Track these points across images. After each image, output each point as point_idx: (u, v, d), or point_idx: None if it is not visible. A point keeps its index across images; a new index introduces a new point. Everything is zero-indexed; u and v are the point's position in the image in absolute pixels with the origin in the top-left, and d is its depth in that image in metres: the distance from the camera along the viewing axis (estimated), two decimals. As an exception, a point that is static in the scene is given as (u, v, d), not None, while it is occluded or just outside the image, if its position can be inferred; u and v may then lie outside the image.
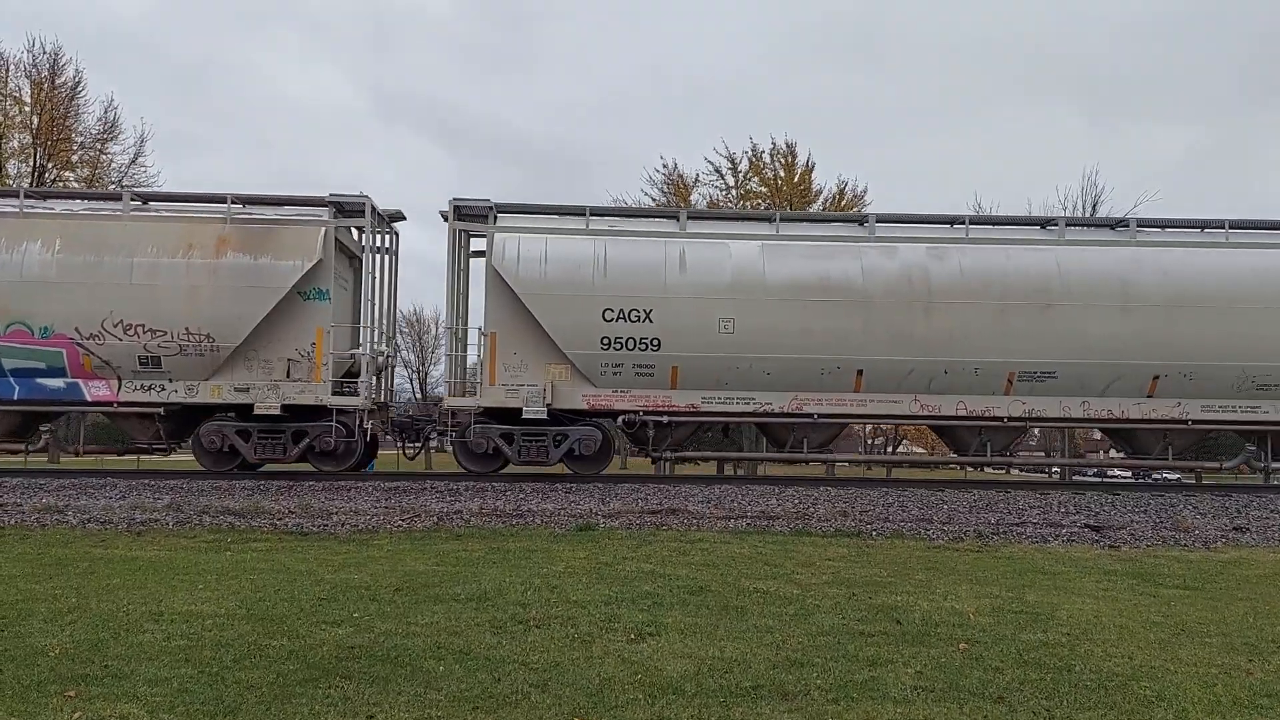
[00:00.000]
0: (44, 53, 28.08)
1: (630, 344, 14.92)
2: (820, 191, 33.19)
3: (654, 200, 32.97)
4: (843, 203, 32.59)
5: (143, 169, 29.60)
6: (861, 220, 16.17)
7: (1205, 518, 12.67)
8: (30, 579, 7.76)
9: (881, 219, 15.97)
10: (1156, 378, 15.32)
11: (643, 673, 5.40)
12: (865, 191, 33.71)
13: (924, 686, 5.26)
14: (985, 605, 7.34)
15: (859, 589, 7.81)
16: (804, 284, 15.05)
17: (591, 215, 15.65)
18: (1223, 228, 16.05)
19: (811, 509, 12.51)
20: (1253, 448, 16.68)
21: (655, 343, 14.90)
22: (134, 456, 16.35)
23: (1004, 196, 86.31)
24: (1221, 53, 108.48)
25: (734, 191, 33.09)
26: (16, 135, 28.02)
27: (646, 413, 15.15)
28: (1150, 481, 16.77)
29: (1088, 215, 30.13)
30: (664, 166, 34.21)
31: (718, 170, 33.11)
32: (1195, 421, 15.56)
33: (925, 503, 13.22)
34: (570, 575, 8.15)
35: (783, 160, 32.82)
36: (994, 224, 16.62)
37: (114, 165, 29.41)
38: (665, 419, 15.18)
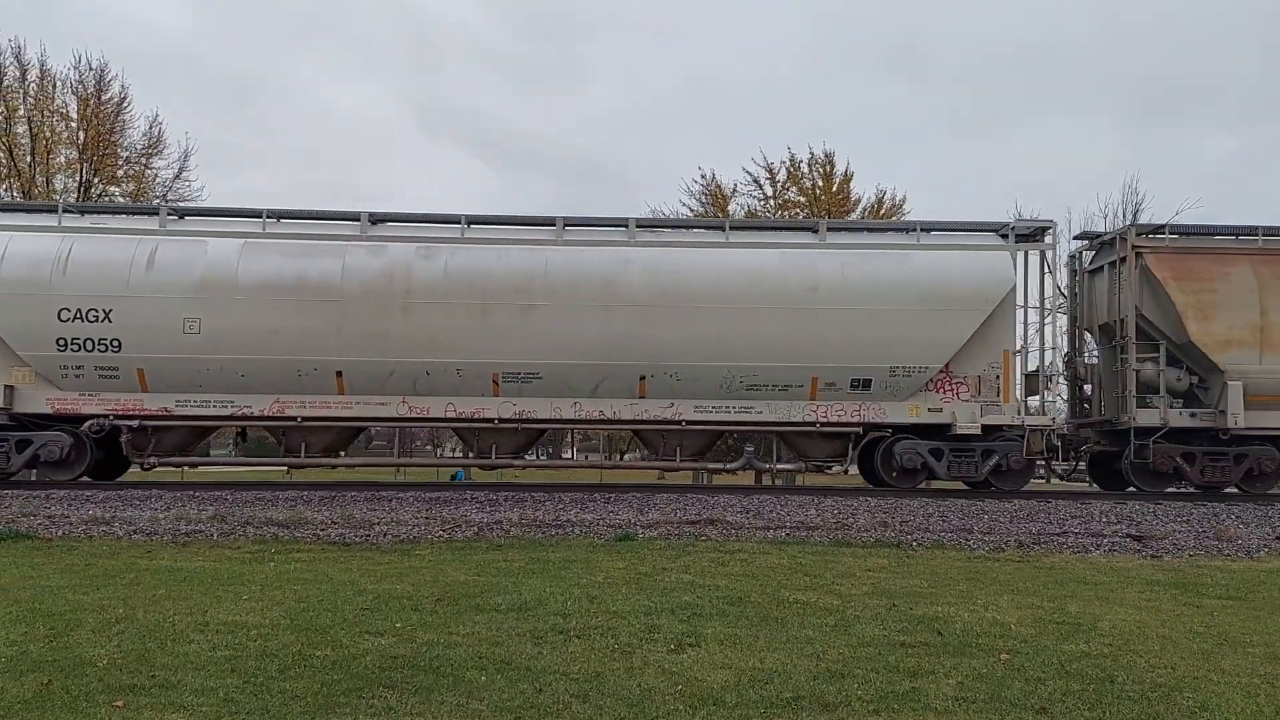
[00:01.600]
0: (90, 69, 28.46)
1: (89, 345, 14.67)
2: (859, 200, 33.02)
3: (692, 211, 32.94)
4: (881, 211, 32.39)
5: (187, 183, 29.98)
6: (356, 218, 15.77)
7: (1249, 527, 12.49)
8: (78, 590, 7.89)
9: (378, 218, 15.75)
10: (643, 378, 15.06)
11: (683, 683, 5.42)
12: (904, 200, 33.48)
13: (965, 697, 5.23)
14: (1027, 616, 7.28)
15: (900, 600, 7.77)
16: (279, 283, 14.81)
17: (67, 212, 15.48)
18: (723, 229, 15.85)
19: (851, 519, 12.47)
20: (750, 448, 16.59)
21: (115, 344, 14.67)
22: (179, 469, 16.62)
23: (1045, 204, 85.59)
24: (1256, 58, 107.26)
25: (772, 201, 33.00)
26: (63, 150, 28.46)
27: (117, 416, 14.95)
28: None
29: (1130, 223, 29.70)
30: (702, 177, 34.20)
31: (756, 180, 33.04)
32: (689, 422, 15.33)
33: (966, 512, 13.13)
34: (610, 585, 8.17)
35: (821, 170, 32.70)
36: (495, 223, 16.21)
37: (159, 179, 29.83)
38: (138, 423, 14.99)
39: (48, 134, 27.97)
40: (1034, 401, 16.04)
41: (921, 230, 15.92)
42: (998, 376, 15.45)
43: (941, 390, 15.51)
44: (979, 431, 15.38)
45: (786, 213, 32.16)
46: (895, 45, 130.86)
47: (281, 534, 11.19)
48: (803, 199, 32.65)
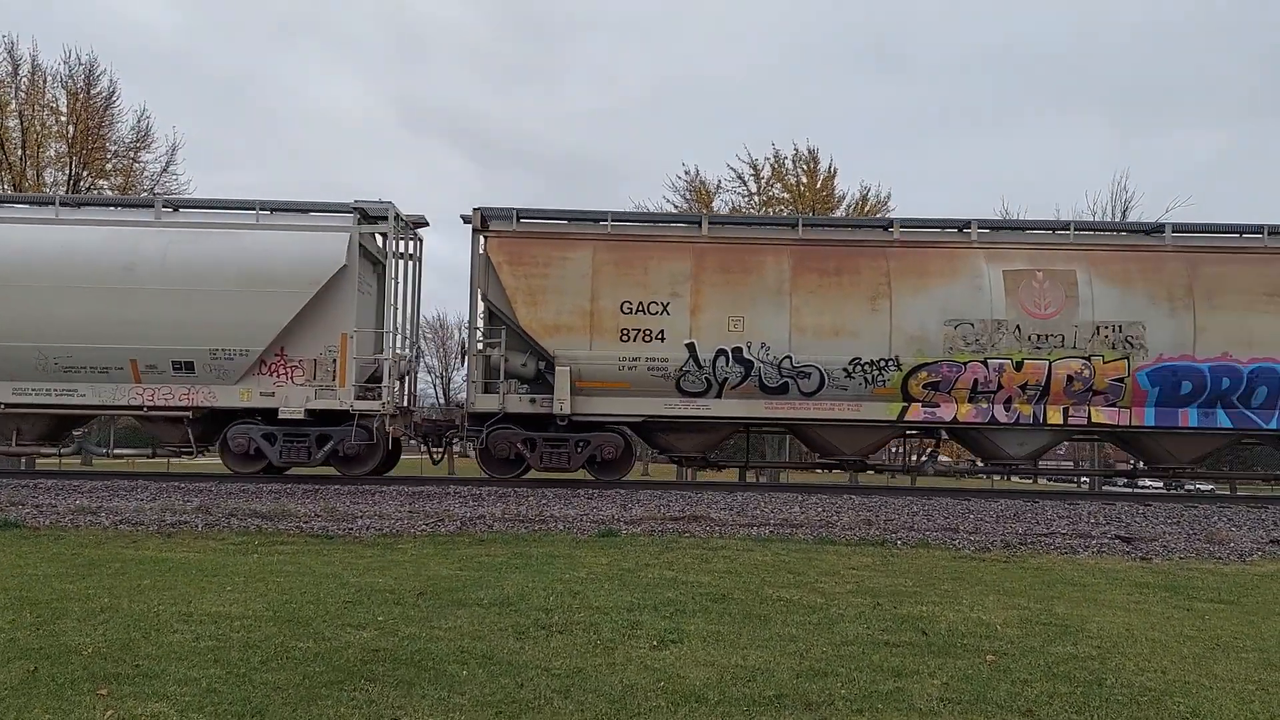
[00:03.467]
0: (79, 63, 28.51)
1: None
2: (844, 197, 33.14)
3: (676, 206, 32.95)
4: (866, 208, 32.52)
5: (174, 177, 29.96)
6: None
7: (1241, 530, 12.48)
8: (64, 579, 7.86)
9: None
10: None
11: (665, 680, 5.39)
12: (889, 197, 33.65)
13: (950, 698, 5.22)
14: (1013, 616, 7.27)
15: (884, 599, 7.76)
16: None
17: None
18: (53, 204, 15.53)
19: (835, 517, 12.46)
20: (79, 432, 16.66)
21: None
22: (164, 459, 16.55)
23: (1035, 202, 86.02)
24: (1242, 56, 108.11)
25: (757, 198, 33.05)
26: (53, 144, 28.43)
27: None
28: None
29: (1118, 220, 29.85)
30: (686, 173, 34.25)
31: (740, 177, 33.11)
32: (9, 405, 15.04)
33: (951, 512, 13.13)
34: (592, 581, 8.15)
35: (805, 166, 32.78)
36: None
37: (146, 173, 29.80)
38: None
39: (38, 128, 27.94)
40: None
41: (264, 209, 15.48)
42: (334, 360, 15.20)
43: (276, 373, 15.21)
44: (301, 416, 15.03)
45: (771, 209, 32.19)
46: (871, 44, 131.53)
47: (265, 526, 11.16)
48: (787, 195, 32.74)
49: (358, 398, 15.17)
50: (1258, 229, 15.80)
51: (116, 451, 16.37)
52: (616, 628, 6.55)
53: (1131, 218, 30.12)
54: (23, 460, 21.00)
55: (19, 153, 27.63)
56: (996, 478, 19.70)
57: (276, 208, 15.55)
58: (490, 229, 15.71)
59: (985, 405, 15.29)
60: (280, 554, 9.45)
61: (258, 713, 4.74)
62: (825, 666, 5.73)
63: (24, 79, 27.94)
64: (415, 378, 17.46)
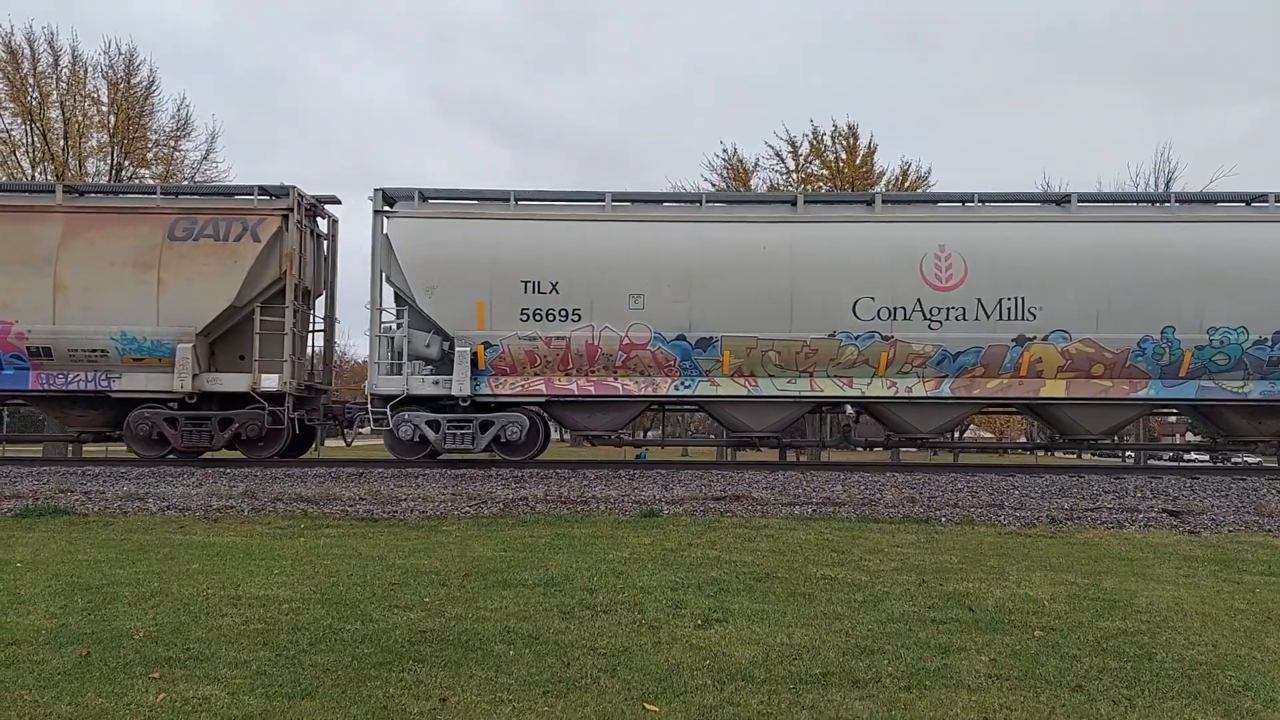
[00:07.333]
0: (119, 54, 28.85)
1: None
2: (883, 174, 32.80)
3: (713, 185, 32.84)
4: (906, 184, 32.17)
5: (214, 165, 30.27)
6: None
7: (1289, 502, 12.28)
8: (114, 564, 7.99)
9: None
10: None
11: (711, 659, 5.39)
12: (930, 172, 33.27)
13: (998, 674, 5.17)
14: (1060, 592, 7.19)
15: (929, 575, 7.71)
16: None
17: None
18: None
19: (878, 495, 12.38)
20: None
21: None
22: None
23: (1074, 176, 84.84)
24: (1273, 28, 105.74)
25: (794, 175, 32.80)
26: (95, 134, 28.83)
27: None
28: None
29: (1161, 191, 29.35)
30: (724, 152, 34.12)
31: (778, 154, 32.86)
32: None
33: (996, 488, 13.01)
34: (636, 561, 8.16)
35: (844, 142, 32.44)
36: None
37: (186, 162, 30.13)
38: None
39: (80, 118, 28.29)
40: None
41: None
42: None
43: None
44: None
45: (809, 187, 31.97)
46: (902, 24, 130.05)
47: (311, 510, 11.28)
48: (826, 172, 32.41)
49: None
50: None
51: None
52: (661, 607, 6.56)
53: (1176, 188, 29.63)
54: None
55: (61, 143, 28.02)
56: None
57: None
58: None
59: None
60: (326, 537, 9.55)
61: (308, 694, 4.79)
62: (872, 644, 5.70)
63: (65, 70, 28.31)
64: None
